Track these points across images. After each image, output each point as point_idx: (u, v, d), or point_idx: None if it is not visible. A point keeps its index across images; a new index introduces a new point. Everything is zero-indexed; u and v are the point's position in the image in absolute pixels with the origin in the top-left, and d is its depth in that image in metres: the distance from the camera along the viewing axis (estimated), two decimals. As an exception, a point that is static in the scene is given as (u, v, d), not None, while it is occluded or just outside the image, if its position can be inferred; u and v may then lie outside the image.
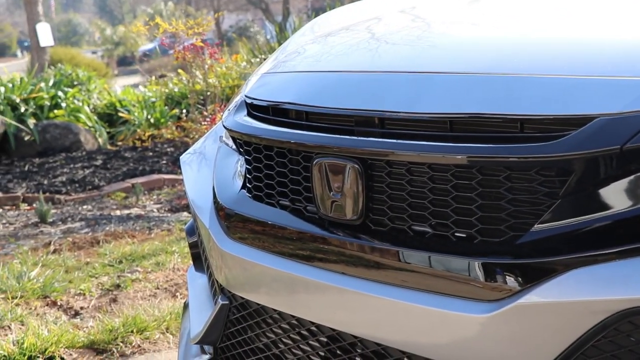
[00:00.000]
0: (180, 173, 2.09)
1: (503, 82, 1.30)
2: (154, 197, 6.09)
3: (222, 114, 1.99)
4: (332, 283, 1.42)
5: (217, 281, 1.76)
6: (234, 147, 1.82)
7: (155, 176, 6.70)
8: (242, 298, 1.66)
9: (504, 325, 1.19)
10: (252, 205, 1.66)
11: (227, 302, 1.71)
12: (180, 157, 2.24)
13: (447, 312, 1.25)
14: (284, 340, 1.59)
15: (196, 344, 1.82)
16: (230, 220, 1.69)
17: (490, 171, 1.24)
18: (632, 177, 1.13)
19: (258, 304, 1.62)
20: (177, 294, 3.37)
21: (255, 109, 1.72)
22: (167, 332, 2.83)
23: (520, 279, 1.18)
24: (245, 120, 1.72)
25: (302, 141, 1.50)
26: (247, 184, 1.70)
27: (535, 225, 1.18)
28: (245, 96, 1.80)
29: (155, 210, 5.61)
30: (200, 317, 1.85)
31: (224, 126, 1.81)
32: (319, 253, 1.47)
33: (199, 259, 2.05)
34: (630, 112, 1.13)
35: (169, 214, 5.43)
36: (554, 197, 1.18)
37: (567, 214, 1.17)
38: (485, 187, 1.24)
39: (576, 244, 1.15)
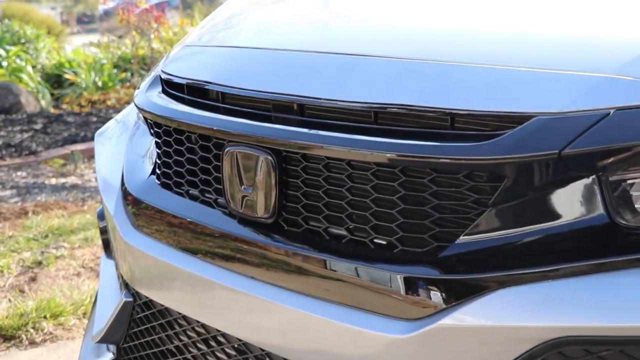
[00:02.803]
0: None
1: (435, 70, 1.15)
2: (94, 165, 5.86)
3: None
4: (240, 288, 1.27)
5: (121, 275, 1.60)
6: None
7: (96, 143, 6.44)
8: (147, 296, 1.50)
9: (420, 348, 1.05)
10: (160, 193, 1.49)
11: (130, 300, 1.55)
12: (96, 133, 2.05)
13: (360, 329, 1.10)
14: (189, 347, 1.44)
15: (98, 342, 1.66)
16: (137, 209, 1.53)
17: (415, 172, 1.09)
18: (569, 186, 0.99)
19: (162, 305, 1.46)
20: (104, 273, 3.18)
21: (170, 86, 1.55)
22: (84, 317, 2.65)
23: (441, 297, 1.04)
24: (157, 99, 1.54)
25: (211, 126, 1.34)
26: (157, 170, 1.53)
27: (461, 237, 1.04)
28: (162, 71, 1.62)
29: (93, 179, 5.38)
30: (106, 313, 1.69)
31: (134, 104, 1.63)
32: (227, 253, 1.31)
33: (110, 247, 1.88)
34: (571, 112, 0.99)
35: (107, 184, 5.21)
36: (483, 206, 1.04)
37: (496, 225, 1.03)
38: (409, 190, 1.10)
39: (505, 260, 1.02)
